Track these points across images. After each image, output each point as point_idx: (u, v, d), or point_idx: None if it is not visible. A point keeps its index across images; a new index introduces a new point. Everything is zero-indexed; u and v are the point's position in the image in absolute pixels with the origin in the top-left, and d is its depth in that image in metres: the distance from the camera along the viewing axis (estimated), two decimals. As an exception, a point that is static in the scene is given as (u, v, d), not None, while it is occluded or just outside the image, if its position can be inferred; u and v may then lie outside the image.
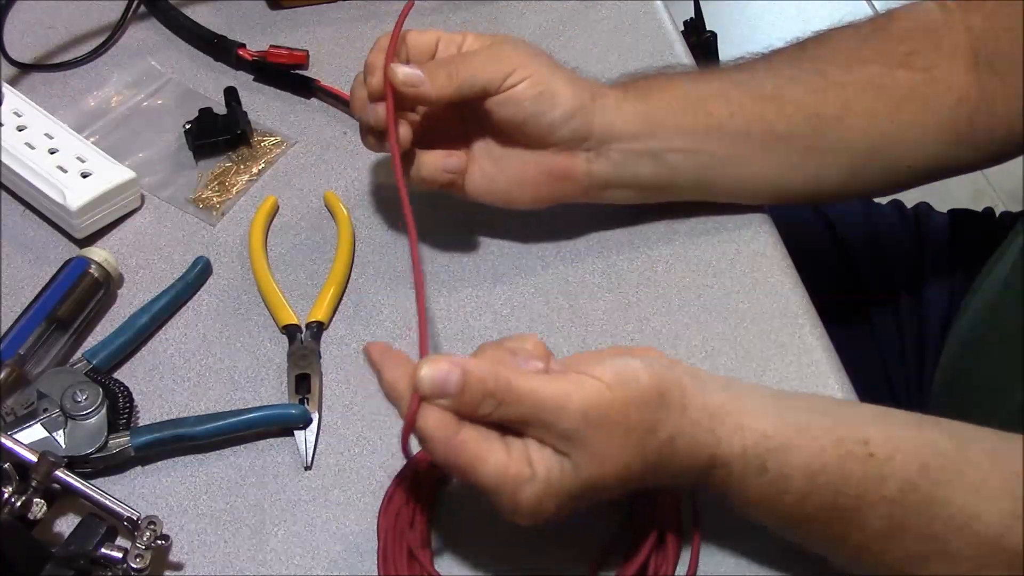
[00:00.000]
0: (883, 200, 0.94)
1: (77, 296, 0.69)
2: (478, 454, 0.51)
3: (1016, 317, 0.69)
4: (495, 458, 0.51)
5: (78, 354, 0.68)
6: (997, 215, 0.93)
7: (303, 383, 0.68)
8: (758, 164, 0.70)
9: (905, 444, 0.54)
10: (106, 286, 0.70)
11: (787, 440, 0.54)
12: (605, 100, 0.67)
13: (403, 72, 0.63)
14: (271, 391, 0.68)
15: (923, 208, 0.93)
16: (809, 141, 0.69)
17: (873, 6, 2.03)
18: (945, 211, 0.94)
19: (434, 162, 0.67)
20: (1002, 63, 0.68)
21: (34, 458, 0.59)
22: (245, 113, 0.80)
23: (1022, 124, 0.69)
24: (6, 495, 0.57)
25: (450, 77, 0.64)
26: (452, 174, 0.67)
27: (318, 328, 0.70)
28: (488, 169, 0.69)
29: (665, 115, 0.68)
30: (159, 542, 0.58)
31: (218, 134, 0.78)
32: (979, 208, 0.96)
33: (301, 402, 0.67)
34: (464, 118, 0.68)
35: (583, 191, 0.69)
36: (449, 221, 0.74)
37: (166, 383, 0.68)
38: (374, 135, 0.67)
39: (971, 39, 0.69)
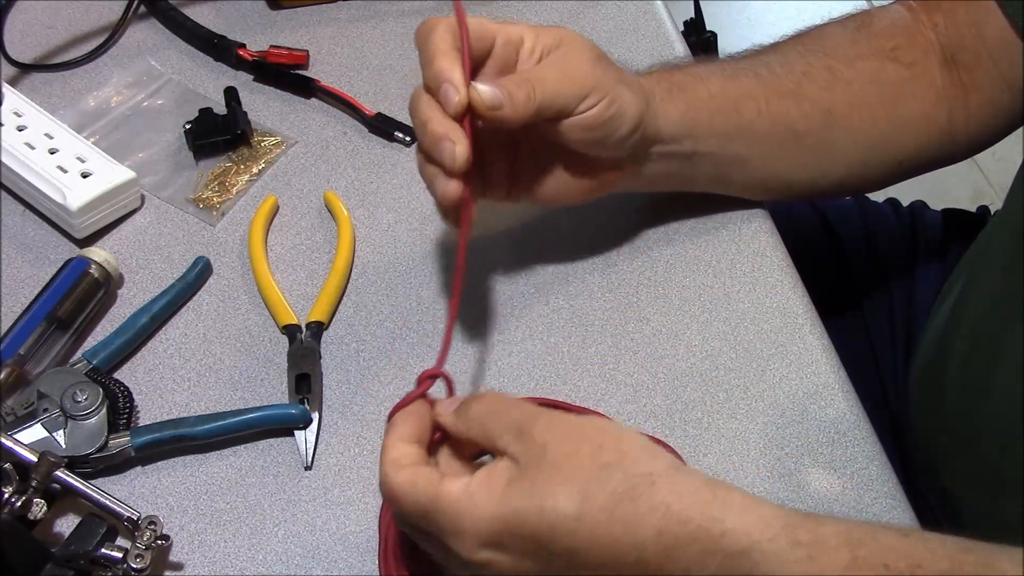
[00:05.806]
0: (879, 198, 0.95)
1: (77, 296, 0.69)
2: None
3: (978, 307, 0.71)
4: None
5: (78, 354, 0.68)
6: (992, 214, 0.94)
7: (303, 383, 0.68)
8: (773, 162, 0.71)
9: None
10: (106, 286, 0.70)
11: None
12: (654, 102, 0.65)
13: (488, 94, 0.58)
14: (271, 391, 0.68)
15: (918, 206, 0.95)
16: (822, 136, 0.70)
17: (872, 6, 2.03)
18: (939, 210, 0.95)
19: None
20: (968, 58, 0.70)
21: (34, 458, 0.59)
22: (245, 113, 0.80)
23: (991, 116, 0.72)
24: (6, 495, 0.57)
25: (529, 100, 0.59)
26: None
27: (318, 328, 0.70)
28: (533, 174, 0.66)
29: (703, 115, 0.67)
30: (159, 542, 0.58)
31: (218, 134, 0.78)
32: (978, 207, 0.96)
33: (301, 402, 0.67)
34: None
35: (619, 188, 0.69)
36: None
37: (166, 383, 0.68)
38: (454, 178, 0.58)
39: (938, 36, 0.72)
